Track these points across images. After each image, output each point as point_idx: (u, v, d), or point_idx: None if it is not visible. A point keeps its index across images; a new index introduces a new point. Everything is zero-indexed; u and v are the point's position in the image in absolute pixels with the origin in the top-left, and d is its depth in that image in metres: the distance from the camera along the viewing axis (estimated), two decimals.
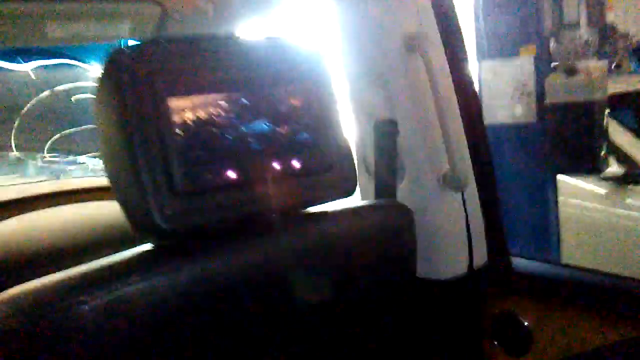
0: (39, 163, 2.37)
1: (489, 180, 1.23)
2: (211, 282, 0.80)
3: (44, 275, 0.74)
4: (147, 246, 0.80)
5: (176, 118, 0.77)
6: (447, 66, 1.13)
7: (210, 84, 0.81)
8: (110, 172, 0.80)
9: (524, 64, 3.02)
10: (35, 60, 1.90)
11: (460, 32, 1.15)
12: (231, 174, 0.80)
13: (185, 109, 0.78)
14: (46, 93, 2.02)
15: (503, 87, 3.08)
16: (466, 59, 1.16)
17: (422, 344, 1.19)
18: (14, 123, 2.07)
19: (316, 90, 0.89)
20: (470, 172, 1.18)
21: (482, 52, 3.10)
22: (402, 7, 1.10)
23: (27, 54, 1.86)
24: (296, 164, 0.86)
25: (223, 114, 0.81)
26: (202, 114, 0.79)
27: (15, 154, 2.25)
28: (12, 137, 2.15)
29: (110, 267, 0.75)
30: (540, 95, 2.92)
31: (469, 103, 1.16)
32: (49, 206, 1.85)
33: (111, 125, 0.77)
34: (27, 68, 1.90)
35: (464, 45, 1.15)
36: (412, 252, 1.04)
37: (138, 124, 0.74)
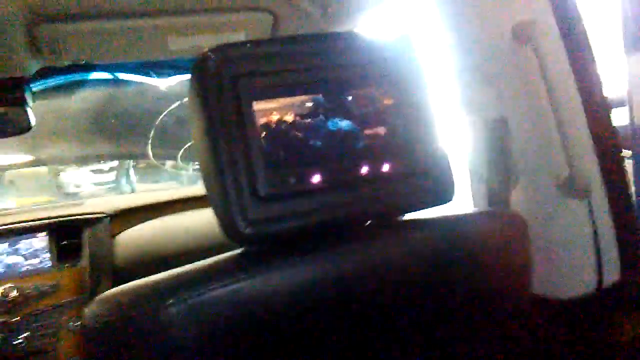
0: (174, 171, 2.53)
1: (621, 185, 1.07)
2: (296, 289, 0.77)
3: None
4: (237, 252, 0.80)
5: (260, 121, 0.76)
6: (566, 57, 1.00)
7: (296, 86, 0.79)
8: (203, 178, 0.81)
9: None
10: (166, 74, 2.03)
11: (580, 18, 1.02)
12: (316, 178, 0.77)
13: (270, 112, 0.77)
14: (176, 104, 2.14)
15: None
16: (588, 46, 1.02)
17: None
18: (150, 134, 2.22)
19: (409, 88, 0.83)
20: (596, 175, 1.03)
21: (630, 45, 2.78)
22: None
23: (158, 68, 1.99)
24: (387, 167, 0.81)
25: (309, 116, 0.78)
26: (287, 117, 0.77)
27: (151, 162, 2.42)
28: (149, 147, 2.30)
29: (198, 272, 0.76)
30: None
31: (594, 96, 1.02)
32: (176, 212, 1.96)
33: (199, 131, 0.77)
34: (159, 82, 2.03)
35: (585, 32, 1.01)
36: (526, 267, 0.93)
37: (222, 129, 0.74)
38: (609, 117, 1.04)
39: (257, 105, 0.76)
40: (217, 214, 0.77)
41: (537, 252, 0.95)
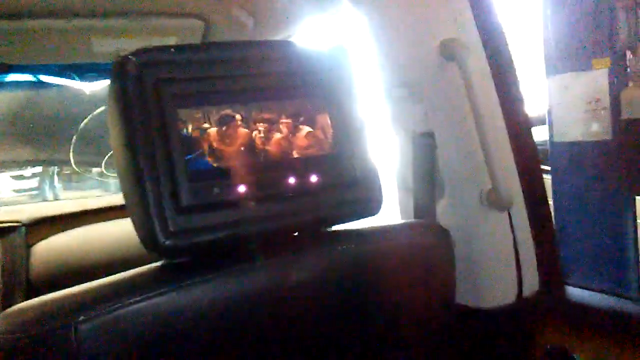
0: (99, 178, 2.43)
1: (540, 199, 1.11)
2: (217, 304, 0.74)
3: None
4: (156, 264, 0.77)
5: (183, 129, 0.73)
6: (490, 74, 1.03)
7: (223, 94, 0.77)
8: (122, 187, 0.77)
9: (597, 78, 2.83)
10: (90, 78, 1.96)
11: (504, 38, 1.05)
12: (241, 189, 0.75)
13: (194, 120, 0.74)
14: (100, 109, 2.07)
15: (575, 102, 2.90)
16: (512, 65, 1.06)
17: None
18: (72, 139, 2.13)
19: (340, 100, 0.83)
20: (517, 189, 1.07)
21: (551, 66, 2.94)
22: (438, 12, 1.02)
23: (81, 71, 1.92)
24: (314, 179, 0.80)
25: (235, 125, 0.76)
26: (211, 126, 0.75)
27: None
28: (71, 153, 2.21)
29: (112, 286, 0.72)
30: (616, 110, 2.73)
31: (516, 113, 1.05)
32: (97, 221, 1.88)
33: (118, 136, 0.74)
34: (83, 85, 1.96)
35: (509, 52, 1.05)
36: (450, 277, 0.95)
37: (143, 135, 0.71)
38: (530, 133, 1.09)
39: (181, 113, 0.74)
40: (136, 224, 0.74)
41: (461, 262, 0.97)
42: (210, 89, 0.76)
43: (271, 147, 0.78)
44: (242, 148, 0.77)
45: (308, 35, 1.43)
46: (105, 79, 2.15)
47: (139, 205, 0.72)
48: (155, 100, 0.72)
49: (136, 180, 0.71)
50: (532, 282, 1.11)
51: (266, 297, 0.77)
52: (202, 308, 0.73)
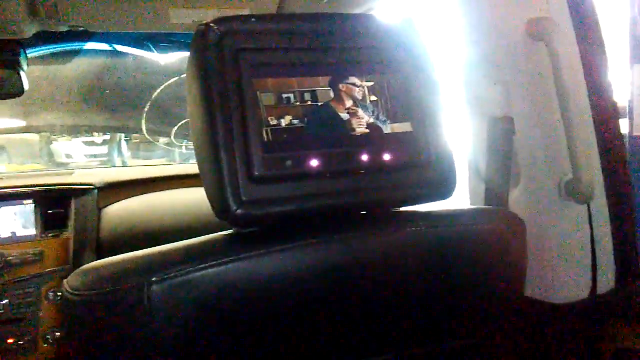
0: (167, 147, 2.49)
1: (623, 192, 1.05)
2: (285, 275, 0.74)
3: None
4: (227, 232, 0.77)
5: (260, 100, 0.73)
6: (579, 57, 0.97)
7: (300, 66, 0.76)
8: (197, 154, 0.78)
9: None
10: (165, 49, 1.99)
11: (597, 19, 0.99)
12: (314, 163, 0.74)
13: (271, 91, 0.74)
14: (173, 79, 2.11)
15: None
16: (603, 49, 0.99)
17: None
18: (144, 108, 2.18)
19: (417, 77, 0.80)
20: (599, 181, 1.01)
21: (637, 53, 2.77)
22: None
23: (157, 42, 1.95)
24: (388, 157, 0.78)
25: (311, 98, 0.75)
26: (288, 97, 0.74)
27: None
28: (143, 122, 2.27)
29: (184, 250, 0.73)
30: None
31: (603, 101, 0.99)
32: (166, 188, 1.93)
33: (196, 101, 0.74)
34: (158, 56, 1.99)
35: (601, 34, 0.99)
36: (521, 267, 0.91)
37: (220, 104, 0.71)
38: (617, 123, 1.02)
39: (258, 83, 0.73)
40: (209, 192, 0.74)
41: (532, 254, 0.93)
42: (290, 60, 0.76)
43: (346, 122, 0.77)
44: (317, 121, 0.76)
45: (388, 9, 1.39)
46: (179, 50, 2.19)
47: (213, 173, 0.72)
48: (234, 69, 0.72)
49: (212, 148, 0.71)
50: (607, 280, 1.06)
51: (332, 273, 0.77)
52: (268, 278, 0.73)
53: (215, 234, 0.77)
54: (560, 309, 1.03)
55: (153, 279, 0.68)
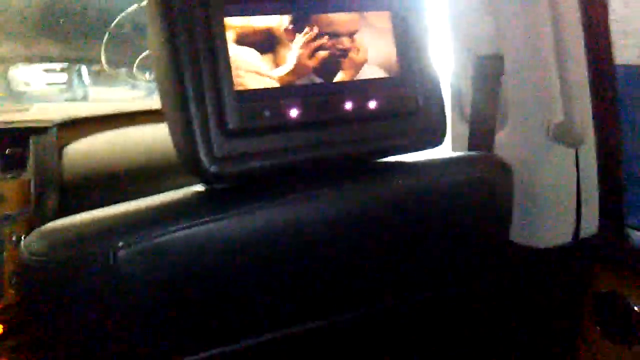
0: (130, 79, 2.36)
1: (612, 136, 1.01)
2: (264, 233, 0.69)
3: (122, 194, 0.72)
4: (197, 188, 0.71)
5: (232, 42, 0.65)
6: None
7: (276, 2, 0.68)
8: (161, 100, 0.70)
9: None
10: None
11: None
12: (294, 113, 0.68)
13: (244, 32, 0.66)
14: (134, 7, 1.96)
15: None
16: None
17: (510, 318, 1.04)
18: (103, 38, 2.04)
19: (404, 13, 0.73)
20: (589, 124, 0.97)
21: None
22: None
23: None
24: (372, 104, 0.72)
25: (287, 39, 0.68)
26: (262, 39, 0.67)
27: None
28: (102, 52, 2.13)
29: (154, 211, 0.67)
30: None
31: (598, 41, 0.93)
32: (130, 125, 1.84)
33: (160, 46, 0.66)
34: None
35: None
36: (507, 214, 0.88)
37: (188, 48, 0.64)
38: (612, 64, 0.97)
39: (229, 22, 0.65)
40: (178, 147, 0.68)
41: (517, 198, 0.90)
42: None
43: (328, 67, 0.70)
44: (296, 66, 0.68)
45: None
46: None
47: (181, 126, 0.65)
48: (202, 7, 0.64)
49: (179, 98, 0.64)
50: (591, 224, 1.04)
51: (316, 229, 0.72)
52: (247, 238, 0.68)
53: (186, 190, 0.71)
54: (543, 253, 1.02)
55: (120, 244, 0.62)
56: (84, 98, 3.01)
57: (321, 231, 0.72)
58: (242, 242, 0.68)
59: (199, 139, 0.64)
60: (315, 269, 0.74)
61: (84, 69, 3.38)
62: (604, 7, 0.93)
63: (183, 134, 0.65)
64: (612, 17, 0.95)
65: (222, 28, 0.65)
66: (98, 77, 3.22)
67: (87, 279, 0.63)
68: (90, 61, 2.51)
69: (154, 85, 2.34)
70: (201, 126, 0.64)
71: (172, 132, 0.68)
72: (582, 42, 0.92)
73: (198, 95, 0.64)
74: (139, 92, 2.55)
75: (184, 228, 0.64)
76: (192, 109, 0.64)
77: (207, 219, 0.66)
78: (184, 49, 0.63)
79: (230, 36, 0.65)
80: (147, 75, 2.26)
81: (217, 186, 0.70)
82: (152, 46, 0.69)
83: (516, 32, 0.94)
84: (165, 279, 0.65)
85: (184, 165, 0.68)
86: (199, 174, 0.66)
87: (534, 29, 0.91)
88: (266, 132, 0.67)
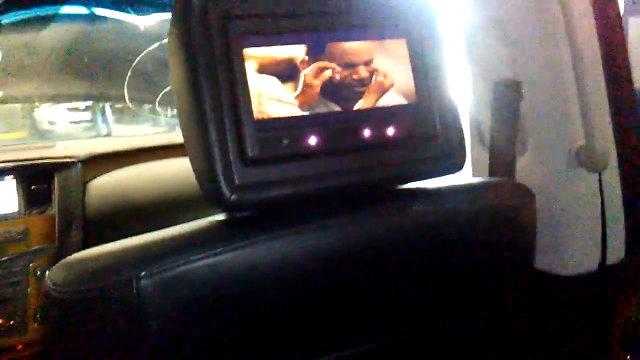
0: (152, 115, 2.42)
1: (635, 159, 1.00)
2: (284, 262, 0.69)
3: (144, 227, 0.72)
4: (219, 217, 0.72)
5: (251, 72, 0.66)
6: (593, 20, 0.91)
7: (294, 33, 0.69)
8: (182, 130, 0.72)
9: None
10: (145, 12, 1.89)
11: None
12: (312, 141, 0.68)
13: (263, 62, 0.67)
14: (155, 45, 2.01)
15: None
16: (617, 11, 0.93)
17: (536, 347, 1.01)
18: (126, 75, 2.10)
19: (420, 40, 0.74)
20: (611, 148, 0.96)
21: (631, 9, 2.72)
22: None
23: (137, 5, 1.85)
24: (390, 131, 0.72)
25: (306, 68, 0.69)
26: (281, 68, 0.68)
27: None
28: (125, 89, 2.18)
29: (175, 241, 0.68)
30: None
31: (617, 63, 0.93)
32: (153, 159, 1.87)
33: (180, 78, 0.68)
34: (138, 20, 1.90)
35: None
36: (530, 241, 0.87)
37: (208, 78, 0.64)
38: (631, 86, 0.96)
39: (248, 53, 0.66)
40: (199, 176, 0.68)
41: (540, 225, 0.89)
42: (281, 26, 0.69)
43: (345, 95, 0.71)
44: (315, 95, 0.69)
45: None
46: (158, 11, 2.09)
47: (202, 156, 0.66)
48: (221, 38, 0.65)
49: (200, 128, 0.65)
50: (617, 250, 1.02)
51: (336, 257, 0.72)
52: (267, 266, 0.68)
53: (206, 220, 0.72)
54: (569, 281, 1.00)
55: (142, 273, 0.63)
56: (108, 135, 3.07)
57: (341, 259, 0.72)
58: (262, 269, 0.68)
59: (219, 167, 0.65)
60: (336, 297, 0.73)
61: (107, 107, 3.46)
62: (622, 30, 0.93)
63: (204, 163, 0.66)
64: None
65: (242, 59, 0.66)
66: (121, 114, 3.30)
67: (111, 308, 0.64)
68: (114, 98, 2.57)
69: (174, 120, 2.39)
70: (221, 155, 0.65)
71: (194, 161, 0.69)
72: (601, 66, 0.92)
73: (218, 125, 0.65)
74: (161, 128, 2.60)
75: (204, 257, 0.65)
76: (213, 138, 0.65)
77: (228, 247, 0.66)
78: (205, 80, 0.65)
79: (249, 67, 0.66)
80: (168, 110, 2.31)
81: (237, 215, 0.71)
82: (173, 79, 0.71)
83: (533, 57, 0.94)
84: (188, 307, 0.65)
85: (204, 194, 0.69)
86: (220, 203, 0.66)
87: (552, 54, 0.91)
88: (285, 160, 0.68)
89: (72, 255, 0.69)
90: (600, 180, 0.98)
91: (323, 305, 0.73)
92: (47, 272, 0.70)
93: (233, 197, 0.65)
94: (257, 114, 0.66)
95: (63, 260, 0.69)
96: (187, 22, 0.65)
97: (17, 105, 3.47)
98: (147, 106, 2.33)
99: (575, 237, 0.99)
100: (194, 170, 0.70)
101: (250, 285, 0.68)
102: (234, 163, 0.65)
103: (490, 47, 0.98)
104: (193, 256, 0.65)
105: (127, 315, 0.63)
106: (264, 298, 0.69)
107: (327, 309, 0.73)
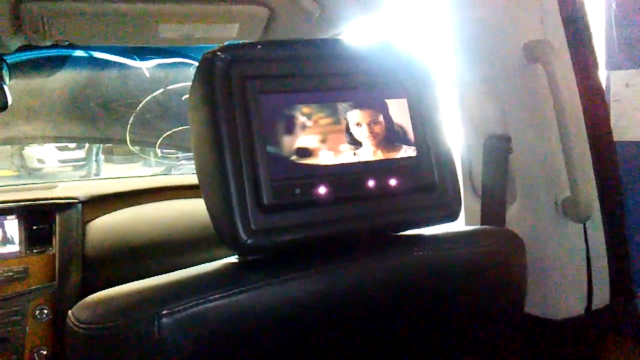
0: (153, 157, 2.47)
1: (616, 210, 1.07)
2: (295, 303, 0.74)
3: (143, 268, 0.74)
4: (232, 259, 0.77)
5: (268, 127, 0.72)
6: (574, 78, 0.99)
7: (306, 92, 0.76)
8: (200, 178, 0.77)
9: None
10: (150, 59, 1.97)
11: (591, 41, 1.01)
12: (322, 190, 0.74)
13: (278, 119, 0.73)
14: (159, 91, 2.08)
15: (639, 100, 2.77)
16: (597, 70, 1.01)
17: None
18: (129, 118, 2.16)
19: (420, 99, 0.81)
20: (594, 199, 1.03)
21: (613, 63, 2.82)
22: (524, 13, 0.97)
23: (142, 52, 1.93)
24: (393, 182, 0.78)
25: (318, 124, 0.75)
26: (295, 125, 0.74)
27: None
28: (128, 132, 2.24)
29: (193, 281, 0.72)
30: None
31: (598, 120, 1.01)
32: (151, 201, 1.90)
33: (202, 129, 0.73)
34: (143, 66, 1.97)
35: (595, 56, 1.00)
36: (522, 285, 0.92)
37: (228, 130, 0.70)
38: (612, 142, 1.04)
39: (265, 111, 0.73)
40: (216, 222, 0.73)
41: (529, 271, 0.95)
42: (295, 86, 0.75)
43: (353, 148, 0.77)
44: (324, 148, 0.76)
45: (376, 26, 1.40)
46: (161, 58, 2.16)
47: (221, 203, 0.71)
48: (241, 97, 0.71)
49: (220, 178, 0.71)
50: (602, 295, 1.08)
51: (342, 298, 0.77)
52: (279, 307, 0.73)
53: (221, 262, 0.76)
54: (556, 325, 1.05)
55: (164, 311, 0.67)
56: (96, 175, 3.10)
57: (346, 300, 0.76)
58: (274, 310, 0.72)
59: (236, 213, 0.70)
60: (340, 336, 0.78)
61: (98, 147, 3.49)
62: (601, 90, 1.00)
63: (222, 208, 0.71)
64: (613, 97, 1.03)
65: (259, 115, 0.72)
66: (111, 152, 3.33)
67: (133, 344, 0.67)
68: (114, 141, 2.62)
69: (168, 162, 2.44)
70: (239, 202, 0.70)
71: (211, 207, 0.74)
72: (583, 121, 1.00)
73: (238, 176, 0.70)
74: (153, 169, 2.63)
75: (220, 297, 0.69)
76: (232, 186, 0.70)
77: (243, 288, 0.70)
78: (226, 133, 0.70)
79: (266, 122, 0.72)
80: (159, 152, 2.36)
81: (249, 258, 0.76)
82: (194, 130, 0.76)
83: (520, 113, 1.01)
84: (204, 343, 0.69)
85: (221, 237, 0.73)
86: (236, 246, 0.71)
87: (537, 113, 0.99)
88: (297, 207, 0.73)
89: (96, 294, 0.73)
90: (585, 230, 1.04)
91: (328, 344, 0.77)
92: (70, 311, 0.73)
93: (249, 241, 0.70)
94: (272, 165, 0.72)
95: (86, 299, 0.72)
96: (211, 83, 0.71)
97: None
98: (148, 149, 2.39)
99: (561, 283, 1.04)
100: (211, 215, 0.74)
101: (262, 325, 0.72)
102: (250, 210, 0.70)
103: (481, 104, 1.06)
104: (211, 295, 0.69)
105: (149, 350, 0.67)
106: (275, 337, 0.73)
107: (332, 347, 0.78)
